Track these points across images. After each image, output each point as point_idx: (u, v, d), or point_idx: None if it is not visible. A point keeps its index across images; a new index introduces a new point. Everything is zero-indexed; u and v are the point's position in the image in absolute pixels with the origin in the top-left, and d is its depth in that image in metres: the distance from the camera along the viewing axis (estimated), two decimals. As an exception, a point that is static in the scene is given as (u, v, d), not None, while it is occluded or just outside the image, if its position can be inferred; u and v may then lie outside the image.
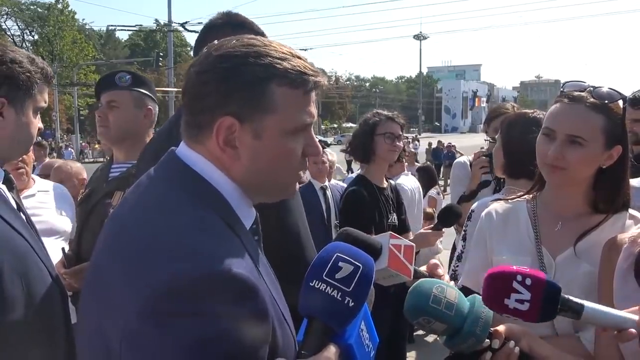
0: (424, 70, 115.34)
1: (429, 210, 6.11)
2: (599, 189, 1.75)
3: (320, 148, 1.25)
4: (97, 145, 37.89)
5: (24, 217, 1.64)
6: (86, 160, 35.06)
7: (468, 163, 3.77)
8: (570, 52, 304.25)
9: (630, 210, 1.78)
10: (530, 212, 1.85)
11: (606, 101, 1.68)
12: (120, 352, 0.98)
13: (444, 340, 1.39)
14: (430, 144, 27.57)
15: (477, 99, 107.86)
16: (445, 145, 24.77)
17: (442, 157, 23.34)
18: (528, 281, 1.24)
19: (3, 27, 48.46)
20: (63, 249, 2.47)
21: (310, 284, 1.06)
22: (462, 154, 11.51)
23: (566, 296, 1.25)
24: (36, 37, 49.54)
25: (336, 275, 1.06)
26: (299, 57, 1.16)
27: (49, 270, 1.55)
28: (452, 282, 1.74)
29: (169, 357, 0.95)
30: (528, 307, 1.22)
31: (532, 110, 2.59)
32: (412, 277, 1.54)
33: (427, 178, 7.57)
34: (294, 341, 1.14)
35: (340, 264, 1.07)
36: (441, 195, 8.07)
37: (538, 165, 1.80)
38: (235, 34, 2.14)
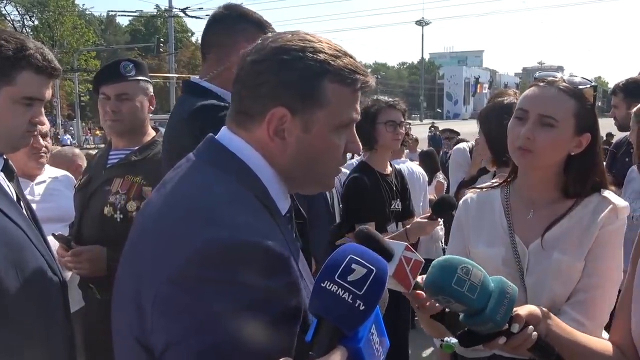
0: (426, 57, 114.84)
1: (433, 197, 6.07)
2: (568, 175, 1.78)
3: (361, 145, 1.28)
4: (97, 132, 37.85)
5: (24, 206, 1.61)
6: (87, 146, 34.99)
7: (468, 149, 3.77)
8: (573, 39, 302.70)
9: (605, 192, 1.78)
10: (503, 201, 1.87)
11: (579, 86, 1.73)
12: (151, 316, 1.02)
13: (461, 318, 1.36)
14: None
15: (479, 86, 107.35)
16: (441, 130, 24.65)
17: (441, 143, 23.22)
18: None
19: (3, 12, 48.19)
20: (53, 234, 2.45)
21: (322, 284, 1.05)
22: (463, 140, 11.45)
23: None
24: (36, 22, 49.22)
25: (348, 277, 1.04)
26: (350, 56, 1.19)
27: (47, 260, 1.53)
28: None
29: (197, 323, 0.98)
30: None
31: (504, 97, 2.61)
32: (410, 290, 1.54)
33: (431, 163, 7.43)
34: None
35: (353, 266, 1.06)
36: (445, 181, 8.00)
37: (509, 151, 1.81)
38: (237, 25, 2.16)
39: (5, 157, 1.67)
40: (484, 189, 1.96)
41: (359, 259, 1.07)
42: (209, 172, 1.15)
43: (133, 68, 2.65)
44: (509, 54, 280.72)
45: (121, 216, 2.49)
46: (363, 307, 1.03)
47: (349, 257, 1.07)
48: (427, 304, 1.49)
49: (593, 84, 1.76)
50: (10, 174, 1.64)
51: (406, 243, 1.58)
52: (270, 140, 1.15)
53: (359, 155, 1.38)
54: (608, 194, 1.79)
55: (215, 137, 1.21)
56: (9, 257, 1.39)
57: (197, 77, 2.24)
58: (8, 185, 1.59)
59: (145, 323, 1.04)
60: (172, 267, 1.00)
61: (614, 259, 1.73)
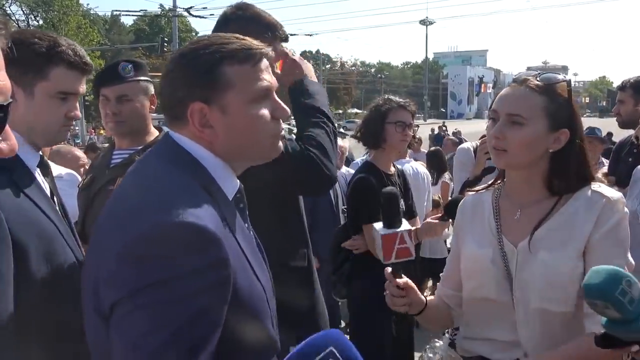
0: (430, 56, 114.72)
1: (436, 197, 6.00)
2: (553, 173, 1.76)
3: (288, 110, 1.40)
4: (102, 131, 37.89)
5: (56, 202, 1.69)
6: (91, 145, 34.88)
7: (472, 149, 3.75)
8: (577, 38, 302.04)
9: (595, 186, 1.75)
10: (493, 203, 1.87)
11: (550, 82, 1.71)
12: (102, 287, 1.17)
13: (603, 322, 1.44)
14: (433, 130, 27.37)
15: (483, 85, 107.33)
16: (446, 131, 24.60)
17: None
18: None
19: (8, 12, 48.31)
20: None
21: None
22: (466, 140, 11.39)
23: None
24: (41, 22, 49.32)
25: None
26: (243, 39, 1.34)
27: (75, 253, 1.62)
28: None
29: (138, 294, 1.11)
30: None
31: None
32: (385, 261, 1.77)
33: (438, 162, 7.17)
34: (266, 297, 1.32)
35: None
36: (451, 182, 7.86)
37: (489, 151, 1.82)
38: (248, 26, 2.21)
39: (40, 152, 1.72)
40: (478, 191, 1.97)
41: (338, 354, 1.02)
42: (162, 166, 1.29)
43: (132, 69, 2.63)
44: (513, 53, 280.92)
45: (125, 216, 2.48)
46: None
47: (329, 349, 1.02)
48: (399, 298, 1.75)
49: (566, 78, 1.74)
50: (45, 169, 1.71)
51: (412, 228, 1.71)
52: (201, 133, 1.29)
53: (287, 120, 1.50)
54: (599, 187, 1.75)
55: (169, 133, 1.36)
56: (40, 249, 1.46)
57: None
58: (43, 181, 1.66)
59: (99, 293, 1.18)
60: (119, 247, 1.14)
61: (618, 256, 1.64)
